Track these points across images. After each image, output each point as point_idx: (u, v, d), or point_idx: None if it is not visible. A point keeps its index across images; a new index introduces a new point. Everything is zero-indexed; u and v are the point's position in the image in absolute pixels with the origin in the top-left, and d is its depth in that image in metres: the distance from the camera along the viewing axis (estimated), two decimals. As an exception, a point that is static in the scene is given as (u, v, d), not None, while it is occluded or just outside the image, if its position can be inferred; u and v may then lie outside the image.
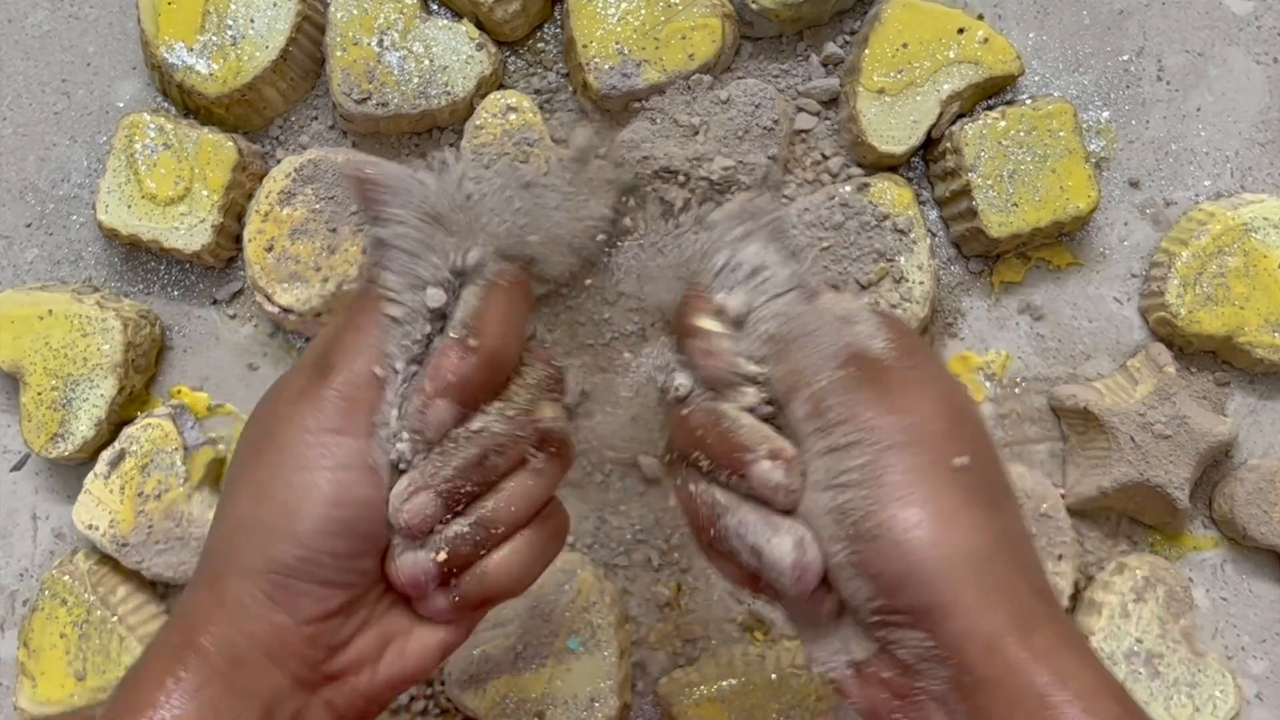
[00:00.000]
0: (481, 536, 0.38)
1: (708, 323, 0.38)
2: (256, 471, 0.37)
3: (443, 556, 0.37)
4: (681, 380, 0.39)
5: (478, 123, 0.56)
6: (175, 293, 0.59)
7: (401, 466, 0.37)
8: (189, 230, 0.56)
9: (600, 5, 0.55)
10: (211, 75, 0.56)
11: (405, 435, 0.37)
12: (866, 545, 0.33)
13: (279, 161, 0.57)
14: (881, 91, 0.55)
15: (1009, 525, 0.35)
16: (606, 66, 0.55)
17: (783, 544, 0.34)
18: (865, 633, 0.35)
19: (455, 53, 0.56)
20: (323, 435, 0.36)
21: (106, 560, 0.56)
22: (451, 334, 0.37)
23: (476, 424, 0.37)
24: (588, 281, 0.56)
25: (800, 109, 0.58)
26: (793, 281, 0.38)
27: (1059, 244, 0.59)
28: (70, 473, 0.58)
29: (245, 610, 0.35)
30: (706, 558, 0.40)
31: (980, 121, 0.55)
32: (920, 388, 0.35)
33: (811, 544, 0.34)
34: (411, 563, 0.37)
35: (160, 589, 0.57)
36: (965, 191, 0.55)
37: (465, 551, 0.38)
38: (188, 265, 0.59)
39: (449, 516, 0.37)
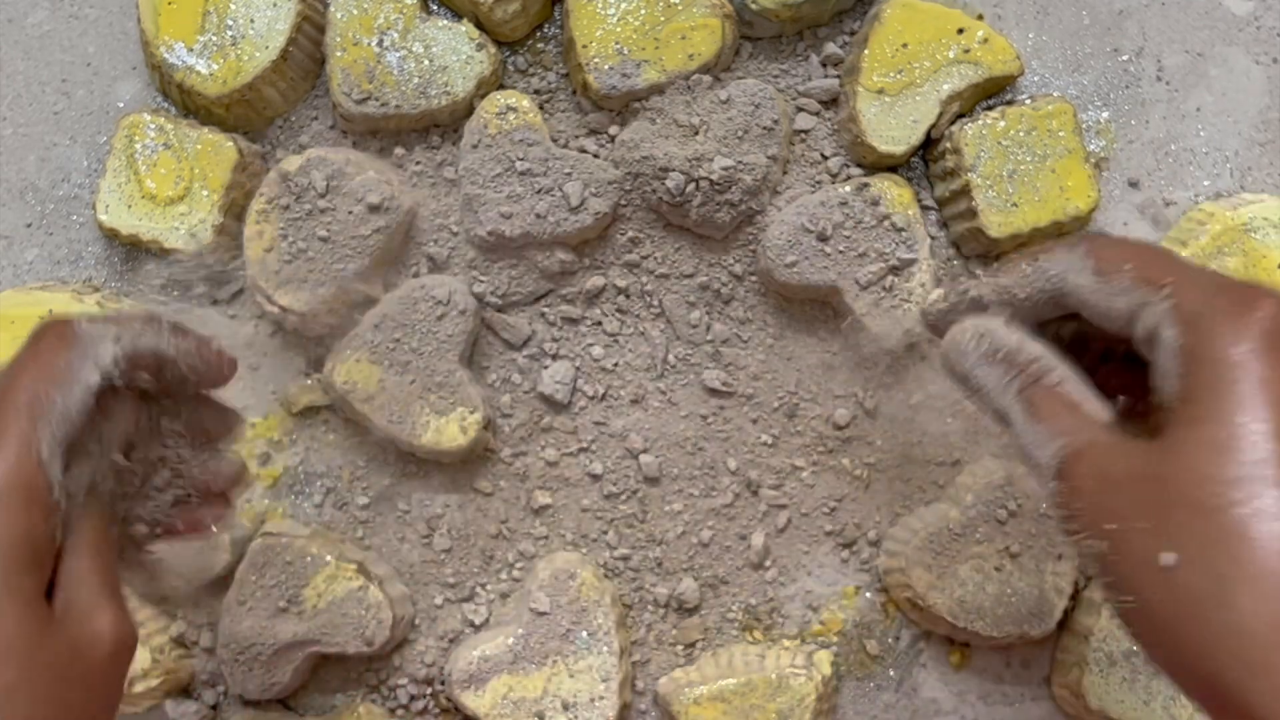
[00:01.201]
0: None
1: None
2: None
3: None
4: None
5: (478, 123, 0.56)
6: (175, 293, 0.59)
7: None
8: (189, 230, 0.56)
9: (600, 5, 0.55)
10: (211, 75, 0.56)
11: None
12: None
13: (279, 161, 0.57)
14: (881, 91, 0.55)
15: None
16: (606, 66, 0.55)
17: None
18: None
19: (455, 53, 0.56)
20: None
21: (107, 560, 0.56)
22: None
23: None
24: None
25: (800, 109, 0.58)
26: None
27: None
28: (70, 472, 0.58)
29: None
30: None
31: (980, 121, 0.55)
32: None
33: None
34: None
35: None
36: (965, 191, 0.55)
37: None
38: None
39: None
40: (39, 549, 0.36)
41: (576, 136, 0.58)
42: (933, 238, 0.58)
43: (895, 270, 0.55)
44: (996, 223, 0.55)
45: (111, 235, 0.57)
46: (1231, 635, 0.31)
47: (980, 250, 0.57)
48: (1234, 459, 0.32)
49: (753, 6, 0.56)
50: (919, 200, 0.56)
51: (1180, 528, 0.32)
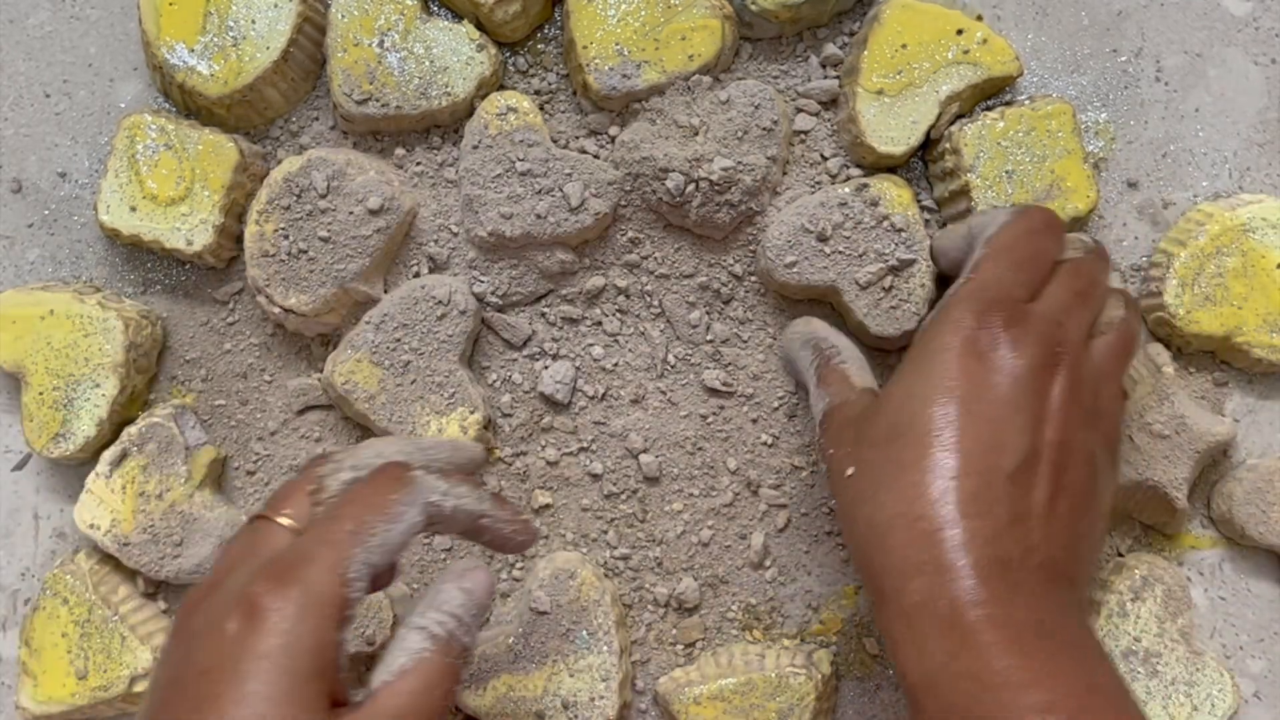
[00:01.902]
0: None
1: None
2: None
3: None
4: None
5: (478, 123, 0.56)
6: (176, 293, 0.60)
7: None
8: (190, 230, 0.56)
9: (600, 6, 0.56)
10: (213, 76, 0.56)
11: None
12: None
13: (280, 162, 0.58)
14: (881, 92, 0.56)
15: None
16: (606, 67, 0.55)
17: None
18: None
19: (455, 54, 0.56)
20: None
21: (108, 560, 0.57)
22: None
23: None
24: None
25: (800, 109, 0.58)
26: None
27: (1058, 244, 0.59)
28: (72, 472, 0.59)
29: None
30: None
31: (979, 122, 0.55)
32: None
33: None
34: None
35: (162, 588, 0.58)
36: (964, 192, 0.55)
37: None
38: (188, 265, 0.59)
39: None
40: (328, 659, 0.38)
41: (577, 137, 0.58)
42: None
43: (895, 270, 0.55)
44: (996, 223, 0.55)
45: (113, 235, 0.57)
46: (871, 524, 0.43)
47: (979, 250, 0.58)
48: (899, 416, 0.44)
49: (752, 7, 0.56)
50: (918, 200, 0.57)
51: (862, 451, 0.45)
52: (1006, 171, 0.55)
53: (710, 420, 0.58)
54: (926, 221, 0.58)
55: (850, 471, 0.45)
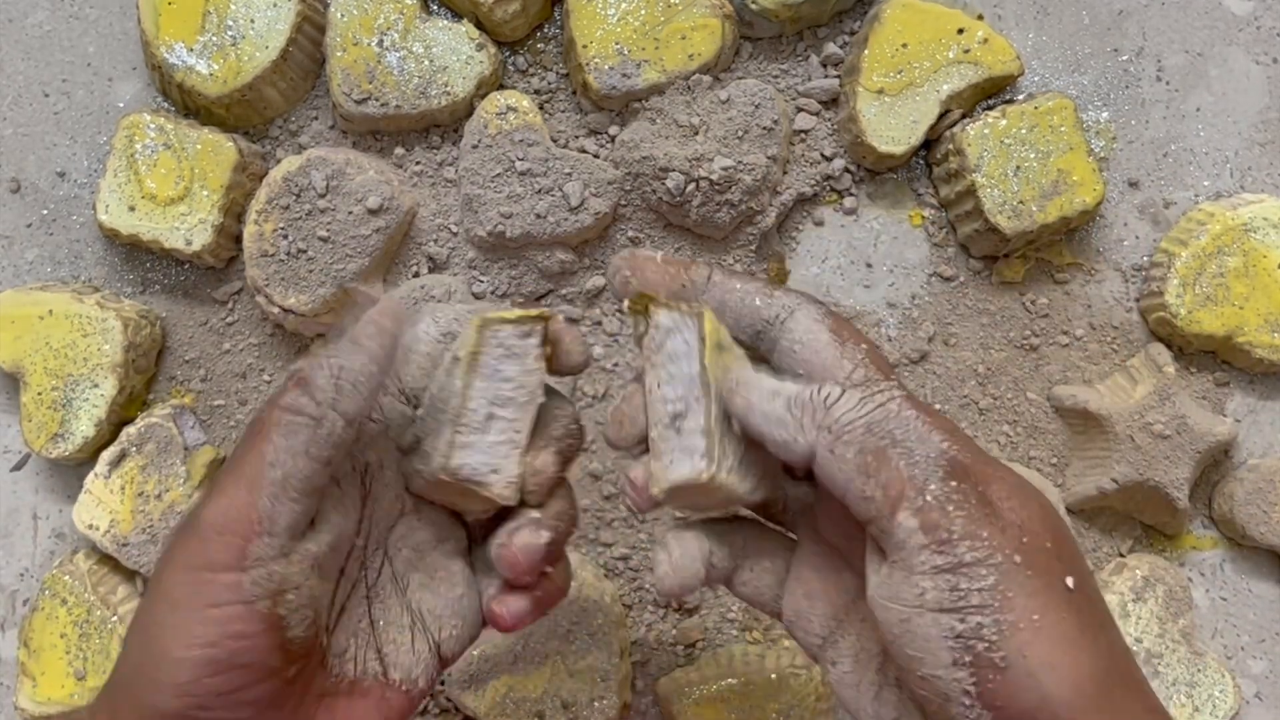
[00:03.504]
0: (565, 527, 0.40)
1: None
2: (141, 615, 0.35)
3: (546, 537, 0.39)
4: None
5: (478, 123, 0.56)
6: (175, 293, 0.59)
7: None
8: (189, 230, 0.56)
9: (600, 5, 0.55)
10: (212, 75, 0.56)
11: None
12: (997, 674, 0.31)
13: (279, 161, 0.57)
14: (881, 92, 0.55)
15: (1116, 643, 0.33)
16: (606, 66, 0.55)
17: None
18: None
19: (455, 53, 0.56)
20: (196, 573, 0.34)
21: (107, 560, 0.57)
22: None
23: None
24: None
25: (800, 109, 0.58)
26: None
27: (1059, 243, 0.59)
28: (70, 473, 0.59)
29: None
30: None
31: (981, 121, 0.55)
32: (1021, 499, 0.33)
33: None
34: (524, 543, 0.39)
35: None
36: (970, 192, 0.55)
37: (561, 536, 0.40)
38: (188, 265, 0.59)
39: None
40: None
41: (576, 136, 0.58)
42: (935, 246, 0.58)
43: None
44: (1004, 221, 0.55)
45: (112, 235, 0.57)
46: None
47: (989, 250, 0.57)
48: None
49: (753, 6, 0.56)
50: (920, 202, 0.56)
51: None
52: (1011, 169, 0.55)
53: (710, 420, 0.58)
54: (932, 223, 0.58)
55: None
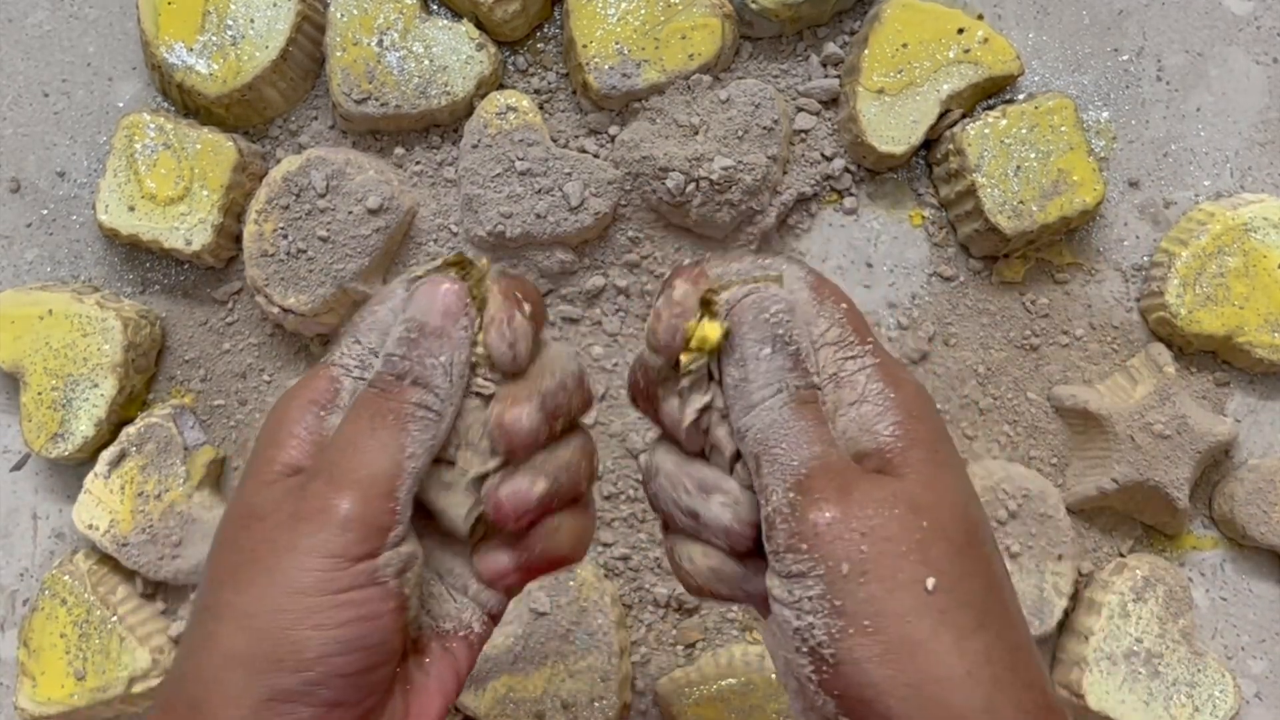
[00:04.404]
0: (566, 479, 0.37)
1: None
2: (244, 601, 0.35)
3: (541, 486, 0.37)
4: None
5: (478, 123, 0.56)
6: (175, 293, 0.59)
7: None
8: (189, 230, 0.56)
9: (600, 5, 0.55)
10: (211, 75, 0.56)
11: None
12: (830, 669, 0.33)
13: (279, 161, 0.57)
14: (881, 91, 0.55)
15: (994, 644, 0.33)
16: (606, 66, 0.55)
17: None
18: None
19: (455, 53, 0.56)
20: (331, 560, 0.34)
21: (106, 560, 0.56)
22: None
23: None
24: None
25: (800, 109, 0.58)
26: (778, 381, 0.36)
27: (1059, 243, 0.59)
28: (70, 473, 0.58)
29: None
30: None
31: (981, 121, 0.55)
32: (877, 505, 0.33)
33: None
34: (511, 491, 0.36)
35: (160, 589, 0.57)
36: (970, 192, 0.55)
37: (562, 486, 0.37)
38: (187, 265, 0.59)
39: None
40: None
41: (576, 136, 0.58)
42: (937, 244, 0.58)
43: None
44: (1004, 221, 0.55)
45: (111, 235, 0.57)
46: None
47: (989, 251, 0.57)
48: None
49: (753, 6, 0.56)
50: (920, 202, 0.56)
51: None
52: (1012, 169, 0.55)
53: (710, 420, 0.58)
54: (932, 223, 0.58)
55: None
